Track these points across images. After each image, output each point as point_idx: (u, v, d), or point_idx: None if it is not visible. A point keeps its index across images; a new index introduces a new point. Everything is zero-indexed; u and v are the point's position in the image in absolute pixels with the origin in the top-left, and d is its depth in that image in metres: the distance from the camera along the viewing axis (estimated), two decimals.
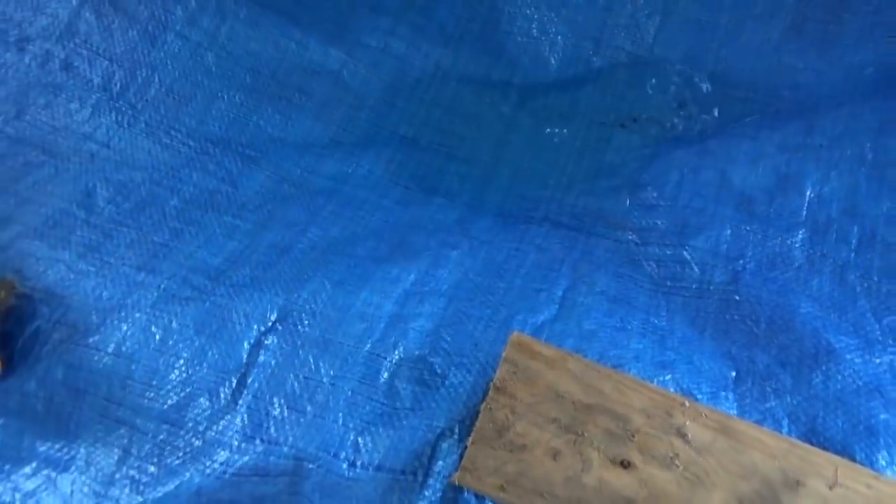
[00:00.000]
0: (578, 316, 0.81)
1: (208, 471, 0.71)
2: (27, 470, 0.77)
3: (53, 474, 0.77)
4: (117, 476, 0.74)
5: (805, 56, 1.07)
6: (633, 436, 0.66)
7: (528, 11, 1.16)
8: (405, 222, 0.96)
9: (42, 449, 0.77)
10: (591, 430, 0.66)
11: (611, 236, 0.97)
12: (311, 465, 0.69)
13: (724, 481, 0.64)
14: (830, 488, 0.64)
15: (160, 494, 0.72)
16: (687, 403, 0.67)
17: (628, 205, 0.99)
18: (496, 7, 1.17)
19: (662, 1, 1.12)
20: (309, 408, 0.72)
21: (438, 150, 1.09)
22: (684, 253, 0.92)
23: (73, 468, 0.77)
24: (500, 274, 0.87)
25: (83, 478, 0.76)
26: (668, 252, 0.93)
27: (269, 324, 0.78)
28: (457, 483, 0.65)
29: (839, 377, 0.77)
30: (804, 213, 0.95)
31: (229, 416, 0.73)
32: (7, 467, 0.77)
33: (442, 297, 0.83)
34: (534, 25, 1.15)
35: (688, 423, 0.66)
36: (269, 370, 0.75)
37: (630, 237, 0.96)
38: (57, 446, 0.77)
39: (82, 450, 0.76)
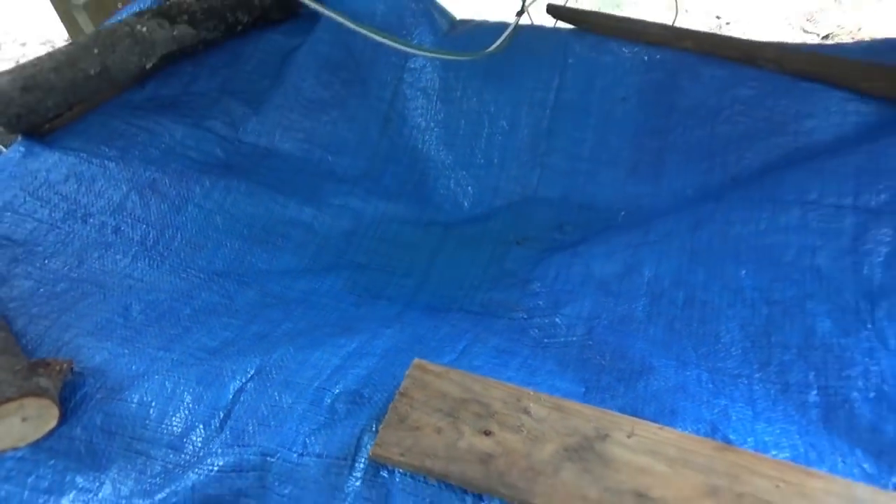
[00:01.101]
0: (470, 358, 1.12)
1: (200, 473, 0.99)
2: (69, 498, 1.04)
3: (87, 498, 1.04)
4: (134, 490, 1.02)
5: (642, 186, 1.49)
6: (494, 415, 0.95)
7: (447, 173, 1.61)
8: (355, 316, 1.31)
9: (80, 481, 1.05)
10: (464, 414, 0.95)
11: (507, 316, 1.30)
12: (272, 459, 0.97)
13: (555, 438, 0.92)
14: (628, 437, 0.91)
15: (164, 494, 0.99)
16: (531, 393, 0.97)
17: (520, 295, 1.34)
18: (425, 173, 1.62)
19: (540, 158, 1.57)
20: (272, 423, 1.01)
21: (384, 270, 1.46)
22: (556, 319, 1.25)
23: (101, 492, 1.04)
24: (420, 341, 1.20)
25: (110, 497, 1.03)
26: (546, 321, 1.26)
27: (249, 375, 1.09)
28: (371, 456, 0.93)
29: (656, 382, 1.07)
30: (644, 288, 1.29)
31: (218, 437, 1.02)
32: (53, 498, 1.05)
33: (375, 356, 1.15)
34: (451, 182, 1.60)
35: (531, 404, 0.96)
36: (248, 404, 1.05)
37: (521, 315, 1.30)
38: (91, 477, 1.05)
39: (109, 477, 1.04)
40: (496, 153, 1.59)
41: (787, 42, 1.57)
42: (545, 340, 1.22)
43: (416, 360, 1.03)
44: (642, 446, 0.91)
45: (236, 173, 1.60)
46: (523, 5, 1.56)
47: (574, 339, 1.21)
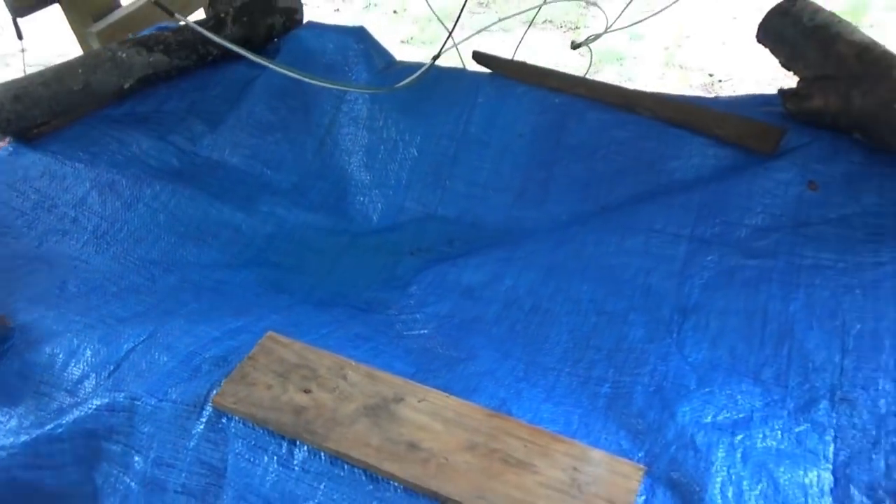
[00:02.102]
0: (326, 340, 1.32)
1: (82, 410, 1.20)
2: None
3: None
4: (33, 423, 1.24)
5: (526, 210, 1.69)
6: (317, 378, 1.15)
7: (364, 191, 1.83)
8: (254, 303, 1.52)
9: None
10: (293, 376, 1.15)
11: (383, 312, 1.50)
12: (138, 402, 1.18)
13: (359, 398, 1.11)
14: (419, 402, 1.10)
15: (52, 426, 1.21)
16: (353, 363, 1.17)
17: (399, 295, 1.54)
18: (346, 190, 1.85)
19: (442, 182, 1.78)
20: (147, 375, 1.23)
21: (292, 269, 1.68)
22: (417, 315, 1.45)
23: (9, 424, 1.26)
24: (297, 325, 1.40)
25: (14, 427, 1.25)
26: (409, 316, 1.46)
27: (142, 339, 1.31)
28: (212, 403, 1.13)
29: (472, 367, 1.25)
30: (501, 295, 1.48)
31: (104, 384, 1.24)
32: None
33: (253, 334, 1.34)
34: (366, 199, 1.82)
35: (350, 372, 1.15)
36: (133, 361, 1.27)
37: (394, 312, 1.49)
38: (4, 412, 1.28)
39: (17, 412, 1.27)
40: (405, 176, 1.81)
41: (664, 92, 1.77)
42: (404, 332, 1.42)
43: (269, 333, 1.24)
44: (427, 409, 1.09)
45: (185, 180, 1.85)
46: (440, 51, 1.79)
47: (425, 331, 1.40)
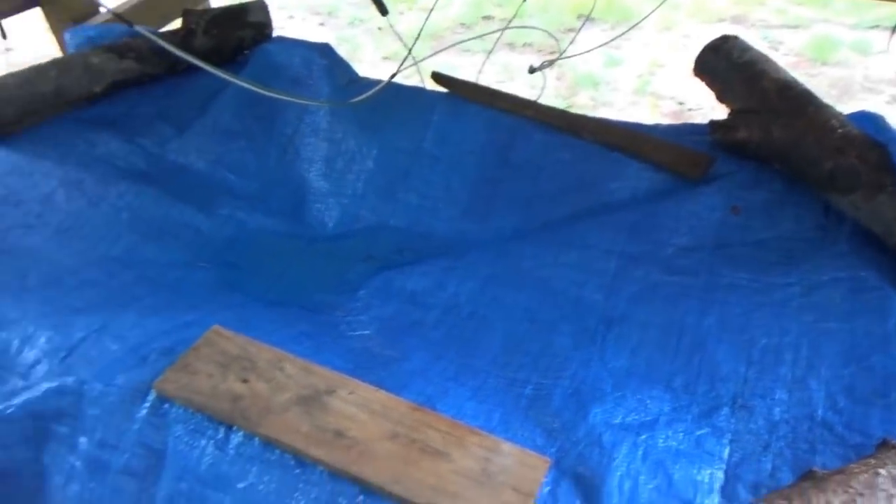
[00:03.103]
0: (270, 335, 1.39)
1: (33, 392, 1.26)
2: None
3: None
4: None
5: (472, 224, 1.78)
6: (255, 369, 1.22)
7: (321, 199, 1.92)
8: (209, 301, 1.59)
9: None
10: (233, 366, 1.23)
11: (331, 314, 1.58)
12: (86, 386, 1.25)
13: (294, 389, 1.18)
14: (349, 394, 1.18)
15: (3, 406, 1.26)
16: (291, 357, 1.25)
17: (347, 299, 1.62)
18: (304, 197, 1.93)
19: (395, 194, 1.88)
20: (96, 362, 1.29)
21: (249, 270, 1.75)
22: (362, 317, 1.53)
23: None
24: (246, 322, 1.47)
25: None
26: (354, 318, 1.54)
27: (94, 329, 1.37)
28: (154, 387, 1.20)
29: (405, 366, 1.34)
30: (442, 301, 1.56)
31: (55, 369, 1.30)
32: None
33: (203, 329, 1.40)
34: (323, 207, 1.91)
35: (287, 365, 1.23)
36: (85, 349, 1.33)
37: (340, 313, 1.57)
38: None
39: None
40: (361, 186, 1.90)
41: (606, 118, 1.89)
42: (347, 333, 1.50)
43: (215, 326, 1.32)
44: (356, 401, 1.17)
45: (150, 182, 1.92)
46: (397, 70, 1.89)
47: (367, 332, 1.48)
